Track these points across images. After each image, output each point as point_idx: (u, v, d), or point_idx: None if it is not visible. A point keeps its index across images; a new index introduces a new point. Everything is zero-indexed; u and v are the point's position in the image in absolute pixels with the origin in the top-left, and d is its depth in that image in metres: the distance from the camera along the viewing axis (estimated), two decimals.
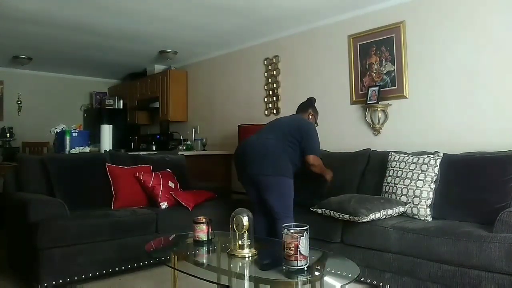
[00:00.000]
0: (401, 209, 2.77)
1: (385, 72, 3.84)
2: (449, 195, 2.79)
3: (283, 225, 1.85)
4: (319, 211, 2.94)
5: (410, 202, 2.80)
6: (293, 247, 1.76)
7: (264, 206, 2.85)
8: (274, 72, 4.93)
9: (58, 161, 3.34)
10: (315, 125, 3.21)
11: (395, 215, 2.75)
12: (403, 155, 3.09)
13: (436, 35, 3.49)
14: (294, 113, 3.33)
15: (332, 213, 2.82)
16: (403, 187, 2.87)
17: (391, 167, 3.06)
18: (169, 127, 6.45)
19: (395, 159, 3.07)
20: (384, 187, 3.05)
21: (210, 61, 5.89)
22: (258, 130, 3.19)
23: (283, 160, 2.81)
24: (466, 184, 2.75)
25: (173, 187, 3.54)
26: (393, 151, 3.22)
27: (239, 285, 1.88)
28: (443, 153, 2.94)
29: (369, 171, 3.40)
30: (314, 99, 3.38)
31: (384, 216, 2.67)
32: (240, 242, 2.04)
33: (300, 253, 1.76)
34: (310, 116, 3.27)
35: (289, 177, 2.82)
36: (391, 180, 3.00)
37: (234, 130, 4.88)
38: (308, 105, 3.33)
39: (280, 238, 2.46)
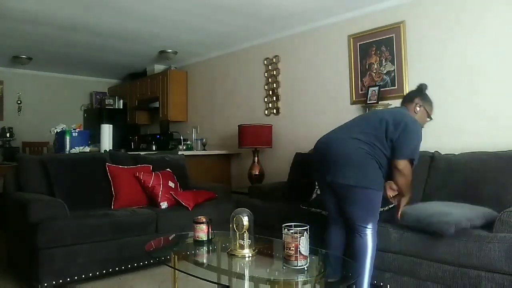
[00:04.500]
0: None
1: (385, 72, 3.84)
2: (449, 195, 2.78)
3: (283, 225, 1.84)
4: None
5: None
6: (293, 247, 1.76)
7: (343, 216, 2.44)
8: (274, 72, 4.93)
9: (58, 161, 3.34)
10: (427, 119, 2.56)
11: None
12: None
13: (436, 35, 3.49)
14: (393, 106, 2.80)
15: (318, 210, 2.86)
16: None
17: None
18: (169, 127, 6.45)
19: None
20: None
21: (210, 61, 5.89)
22: (349, 121, 2.60)
23: (371, 169, 2.28)
24: (466, 184, 2.75)
25: (173, 187, 3.54)
26: None
27: (239, 285, 1.88)
28: (443, 153, 2.94)
29: None
30: (425, 85, 2.59)
31: None
32: (240, 242, 2.04)
33: (300, 253, 1.76)
34: (418, 108, 2.51)
35: (377, 189, 2.31)
36: None
37: (234, 130, 4.88)
38: (415, 94, 2.58)
39: (358, 257, 2.27)
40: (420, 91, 2.57)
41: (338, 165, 2.31)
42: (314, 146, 2.54)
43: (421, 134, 2.38)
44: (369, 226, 2.32)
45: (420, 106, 2.51)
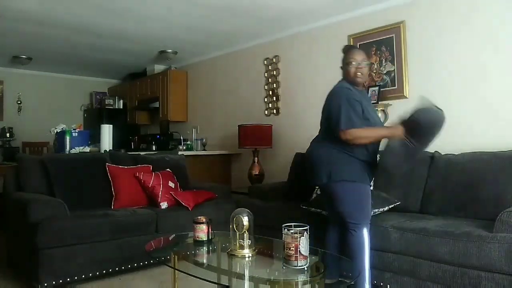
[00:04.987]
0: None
1: (385, 72, 3.84)
2: (449, 195, 2.79)
3: (283, 225, 1.84)
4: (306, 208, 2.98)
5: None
6: (293, 247, 1.76)
7: (337, 216, 2.44)
8: (274, 72, 4.92)
9: (58, 161, 3.34)
10: (351, 67, 2.37)
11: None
12: None
13: (436, 35, 3.49)
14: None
15: (318, 210, 2.84)
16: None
17: None
18: (169, 127, 6.46)
19: None
20: None
21: (210, 61, 5.89)
22: None
23: (340, 162, 2.29)
24: (466, 184, 2.75)
25: (173, 187, 3.54)
26: None
27: (239, 285, 1.88)
28: (443, 153, 2.94)
29: None
30: (347, 46, 2.53)
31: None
32: (240, 242, 2.04)
33: (300, 253, 1.76)
34: (342, 70, 2.47)
35: (352, 180, 2.29)
36: None
37: (234, 130, 4.88)
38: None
39: (354, 256, 2.25)
40: (343, 57, 2.45)
41: (312, 168, 2.41)
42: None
43: (340, 98, 2.33)
44: (359, 222, 2.30)
45: (345, 68, 2.43)
